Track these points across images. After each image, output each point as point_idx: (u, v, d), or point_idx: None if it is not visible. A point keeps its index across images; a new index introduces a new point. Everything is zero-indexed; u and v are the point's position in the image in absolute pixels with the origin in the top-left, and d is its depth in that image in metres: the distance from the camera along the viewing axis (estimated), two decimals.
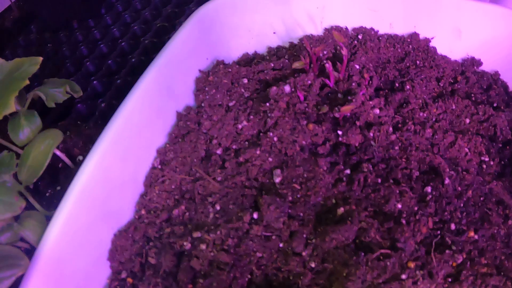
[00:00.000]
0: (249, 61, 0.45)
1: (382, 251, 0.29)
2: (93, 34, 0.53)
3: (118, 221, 0.33)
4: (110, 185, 0.32)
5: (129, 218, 0.34)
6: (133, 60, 0.47)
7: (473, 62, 0.43)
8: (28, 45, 0.56)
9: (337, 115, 0.35)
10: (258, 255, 0.30)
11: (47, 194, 0.38)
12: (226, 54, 0.45)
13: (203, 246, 0.30)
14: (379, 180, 0.32)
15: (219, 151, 0.36)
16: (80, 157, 0.39)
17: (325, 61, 0.39)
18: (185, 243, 0.31)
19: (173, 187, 0.34)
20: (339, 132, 0.34)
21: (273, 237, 0.30)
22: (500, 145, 0.39)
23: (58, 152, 0.37)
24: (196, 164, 0.35)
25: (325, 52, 0.40)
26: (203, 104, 0.39)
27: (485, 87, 0.42)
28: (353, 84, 0.37)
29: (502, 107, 0.41)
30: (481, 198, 0.34)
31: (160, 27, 0.52)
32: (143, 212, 0.34)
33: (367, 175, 0.32)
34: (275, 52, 0.45)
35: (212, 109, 0.39)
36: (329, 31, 0.44)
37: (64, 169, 0.39)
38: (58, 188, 0.38)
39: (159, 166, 0.35)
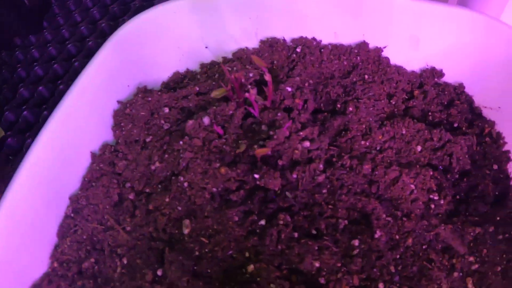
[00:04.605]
0: (179, 81, 0.41)
1: None
2: (31, 54, 0.50)
3: (31, 276, 0.32)
4: (20, 238, 0.31)
5: (44, 270, 0.33)
6: (61, 86, 0.44)
7: (433, 73, 0.36)
8: None
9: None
10: None
11: None
12: (154, 76, 0.40)
13: None
14: (296, 235, 0.28)
15: (131, 196, 0.33)
16: None
17: (249, 86, 0.34)
18: None
19: (84, 237, 0.32)
20: (256, 176, 0.30)
21: None
22: (457, 176, 0.33)
23: None
24: (109, 212, 0.33)
25: (251, 75, 0.35)
26: (119, 141, 0.36)
27: (445, 103, 0.36)
28: (279, 114, 0.32)
29: (463, 128, 0.35)
30: (424, 247, 0.30)
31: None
32: (55, 264, 0.33)
33: (282, 230, 0.28)
34: (208, 69, 0.41)
35: (127, 146, 0.35)
36: (265, 43, 0.39)
37: None
38: None
39: (72, 215, 0.33)
